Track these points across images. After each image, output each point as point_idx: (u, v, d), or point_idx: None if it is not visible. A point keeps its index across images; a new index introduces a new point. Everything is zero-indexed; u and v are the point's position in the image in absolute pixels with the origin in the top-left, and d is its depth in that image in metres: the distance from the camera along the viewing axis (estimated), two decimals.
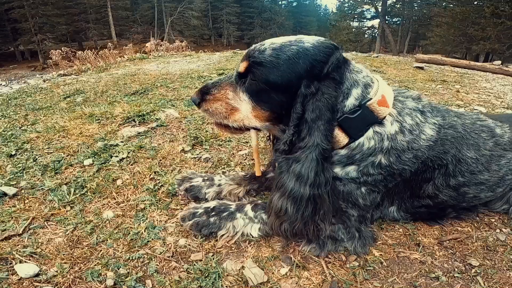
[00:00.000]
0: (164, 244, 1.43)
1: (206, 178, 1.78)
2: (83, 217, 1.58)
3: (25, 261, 1.31)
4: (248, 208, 1.50)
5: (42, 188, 1.81)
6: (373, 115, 1.31)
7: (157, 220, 1.58)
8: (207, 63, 6.49)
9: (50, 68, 10.55)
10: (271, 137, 1.65)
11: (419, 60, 7.73)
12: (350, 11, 43.20)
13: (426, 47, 31.84)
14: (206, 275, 1.27)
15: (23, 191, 1.80)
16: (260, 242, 1.46)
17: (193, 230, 1.47)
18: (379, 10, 38.91)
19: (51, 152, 2.23)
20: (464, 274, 1.34)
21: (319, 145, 1.20)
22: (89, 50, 9.57)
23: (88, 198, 1.73)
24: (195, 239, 1.46)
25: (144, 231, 1.50)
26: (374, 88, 1.34)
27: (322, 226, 1.29)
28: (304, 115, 1.24)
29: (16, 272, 1.25)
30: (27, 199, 1.73)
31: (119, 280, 1.24)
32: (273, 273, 1.31)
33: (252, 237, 1.46)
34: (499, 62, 8.33)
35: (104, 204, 1.70)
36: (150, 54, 9.84)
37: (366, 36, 45.57)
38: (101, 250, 1.38)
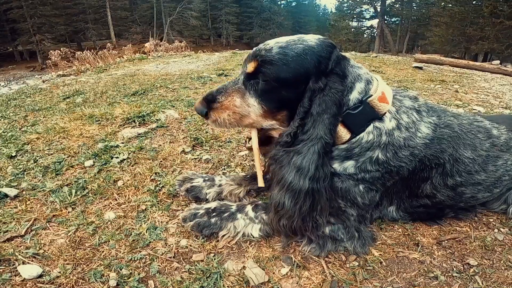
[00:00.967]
0: (166, 245, 1.44)
1: (206, 178, 1.79)
2: (85, 218, 1.59)
3: (28, 262, 1.31)
4: (248, 208, 1.51)
5: (43, 189, 1.81)
6: (374, 111, 1.34)
7: (159, 221, 1.59)
8: (206, 63, 6.50)
9: (49, 69, 10.56)
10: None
11: (418, 60, 7.75)
12: (349, 11, 43.25)
13: (425, 47, 31.94)
14: (208, 275, 1.28)
15: (24, 192, 1.80)
16: (261, 243, 1.47)
17: (194, 230, 1.48)
18: (378, 10, 38.99)
19: (52, 153, 2.24)
20: (462, 274, 1.35)
21: (322, 138, 1.21)
22: (88, 51, 9.59)
23: (90, 199, 1.74)
24: (196, 239, 1.47)
25: (146, 232, 1.51)
26: (374, 84, 1.38)
27: (320, 221, 1.31)
28: (310, 109, 1.25)
29: (19, 273, 1.26)
30: (29, 200, 1.73)
31: (122, 280, 1.25)
32: (274, 273, 1.32)
33: (253, 237, 1.47)
34: (498, 61, 8.37)
35: (106, 205, 1.71)
36: (149, 55, 9.86)
37: (365, 36, 45.61)
38: (103, 251, 1.39)
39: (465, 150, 1.51)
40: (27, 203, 1.71)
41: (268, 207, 1.36)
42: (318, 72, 1.26)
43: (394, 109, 1.40)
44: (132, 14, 41.99)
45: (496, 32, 21.41)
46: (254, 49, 1.36)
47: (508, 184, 1.67)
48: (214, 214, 1.49)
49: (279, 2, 58.13)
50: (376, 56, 8.90)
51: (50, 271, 1.28)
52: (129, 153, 2.21)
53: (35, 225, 1.54)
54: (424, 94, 4.09)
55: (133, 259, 1.35)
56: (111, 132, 2.56)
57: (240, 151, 2.31)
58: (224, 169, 2.09)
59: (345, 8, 43.72)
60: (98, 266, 1.32)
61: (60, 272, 1.27)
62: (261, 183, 1.45)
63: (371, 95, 1.33)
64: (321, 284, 1.27)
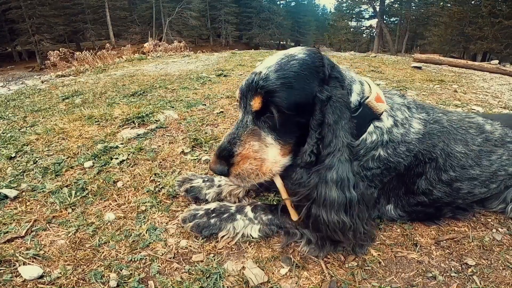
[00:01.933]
0: (166, 246, 1.45)
1: (206, 179, 1.80)
2: (85, 219, 1.59)
3: (28, 263, 1.32)
4: (248, 209, 1.52)
5: (43, 191, 1.82)
6: (372, 111, 1.36)
7: (158, 222, 1.59)
8: (205, 63, 6.50)
9: (48, 69, 10.54)
10: None
11: (417, 59, 7.76)
12: (348, 11, 43.27)
13: (423, 47, 31.98)
14: (208, 275, 1.29)
15: (24, 193, 1.81)
16: (260, 243, 1.47)
17: (194, 231, 1.48)
18: (377, 9, 39.02)
19: (51, 154, 2.24)
20: (460, 274, 1.36)
21: (348, 144, 1.20)
22: (87, 51, 9.57)
23: (89, 200, 1.74)
24: (196, 240, 1.48)
25: (146, 232, 1.51)
26: (366, 86, 1.41)
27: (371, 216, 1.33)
28: (324, 120, 1.21)
29: (20, 274, 1.26)
30: (28, 201, 1.74)
31: (122, 281, 1.25)
32: (273, 273, 1.32)
33: (252, 238, 1.48)
34: (497, 61, 8.37)
35: (105, 206, 1.71)
36: (148, 55, 9.86)
37: (364, 36, 45.63)
38: (103, 252, 1.40)
39: (456, 144, 1.54)
40: (27, 204, 1.71)
41: (314, 228, 1.30)
42: (320, 82, 1.25)
43: (389, 107, 1.44)
44: (131, 14, 41.93)
45: (494, 31, 21.45)
46: (247, 81, 1.28)
47: (506, 181, 1.68)
48: (213, 215, 1.50)
49: (278, 2, 58.05)
50: (375, 56, 8.92)
51: (50, 272, 1.29)
52: (129, 154, 2.21)
53: (35, 226, 1.55)
54: (423, 94, 4.10)
55: (133, 259, 1.36)
56: (111, 133, 2.57)
57: None
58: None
59: (344, 8, 43.75)
60: (98, 266, 1.32)
61: (60, 272, 1.28)
62: (294, 216, 1.38)
63: (368, 97, 1.36)
64: (320, 284, 1.28)
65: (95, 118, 2.85)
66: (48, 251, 1.40)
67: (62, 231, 1.52)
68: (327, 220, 1.19)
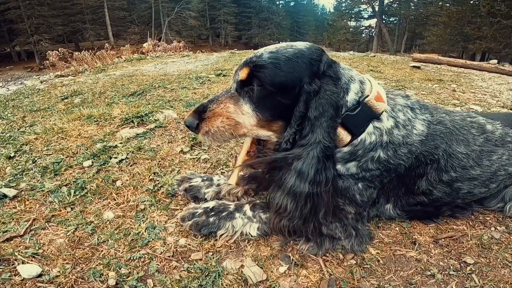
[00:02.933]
0: (165, 244, 1.45)
1: (205, 178, 1.80)
2: (84, 218, 1.59)
3: (27, 262, 1.32)
4: (246, 208, 1.52)
5: (42, 190, 1.82)
6: (372, 111, 1.35)
7: (157, 221, 1.59)
8: (205, 63, 6.50)
9: (47, 69, 10.53)
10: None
11: (416, 59, 7.77)
12: (347, 11, 43.24)
13: (423, 46, 31.99)
14: (206, 274, 1.29)
15: (23, 192, 1.81)
16: (259, 241, 1.48)
17: (192, 230, 1.49)
18: (376, 9, 39.02)
19: (50, 154, 2.24)
20: (459, 272, 1.36)
21: (320, 142, 1.21)
22: (86, 51, 9.56)
23: (88, 199, 1.75)
24: (195, 238, 1.48)
25: (145, 231, 1.51)
26: (367, 85, 1.40)
27: (323, 224, 1.32)
28: (307, 113, 1.24)
29: (18, 273, 1.26)
30: (28, 200, 1.74)
31: (121, 279, 1.25)
32: (272, 271, 1.32)
33: (251, 236, 1.48)
34: (495, 61, 8.37)
35: (104, 205, 1.71)
36: (147, 55, 9.86)
37: (363, 35, 45.68)
38: (102, 251, 1.40)
39: (458, 145, 1.53)
40: (26, 203, 1.71)
41: (270, 208, 1.36)
42: (311, 75, 1.26)
43: (390, 108, 1.43)
44: (130, 14, 41.90)
45: (493, 31, 21.46)
46: (244, 59, 1.35)
47: (505, 181, 1.68)
48: (212, 213, 1.50)
49: (277, 2, 58.18)
50: (374, 56, 8.92)
51: (49, 270, 1.29)
52: (128, 153, 2.21)
53: (34, 225, 1.55)
54: (422, 94, 4.11)
55: (132, 258, 1.36)
56: (110, 132, 2.57)
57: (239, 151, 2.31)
58: (223, 169, 2.10)
59: (343, 8, 43.72)
60: (97, 265, 1.32)
61: (59, 271, 1.28)
62: (233, 181, 1.46)
63: (368, 95, 1.35)
64: (319, 282, 1.28)
65: (94, 118, 2.85)
66: (47, 250, 1.40)
67: (61, 230, 1.52)
68: (276, 200, 1.26)
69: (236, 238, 1.47)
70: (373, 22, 42.18)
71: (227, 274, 1.30)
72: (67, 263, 1.32)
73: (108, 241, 1.45)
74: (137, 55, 9.78)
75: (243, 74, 1.29)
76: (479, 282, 1.32)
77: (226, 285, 1.25)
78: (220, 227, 1.47)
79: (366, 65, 6.31)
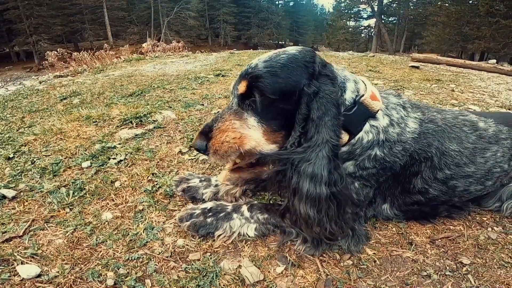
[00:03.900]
0: (163, 245, 1.45)
1: (203, 179, 1.81)
2: (83, 219, 1.60)
3: (26, 263, 1.33)
4: (244, 208, 1.53)
5: (41, 191, 1.82)
6: (368, 109, 1.37)
7: (155, 221, 1.60)
8: (204, 63, 6.50)
9: (46, 69, 10.51)
10: None
11: (415, 59, 7.78)
12: (346, 11, 43.31)
13: (421, 46, 32.06)
14: (204, 274, 1.30)
15: (22, 193, 1.82)
16: (256, 242, 1.49)
17: (190, 230, 1.50)
18: (375, 9, 39.05)
19: (49, 155, 2.25)
20: (455, 272, 1.37)
21: (328, 141, 1.20)
22: (85, 51, 9.55)
23: (87, 200, 1.75)
24: (193, 239, 1.49)
25: (143, 232, 1.52)
26: (361, 84, 1.42)
27: (349, 220, 1.32)
28: (309, 115, 1.24)
29: (18, 273, 1.27)
30: (27, 201, 1.74)
31: (119, 280, 1.26)
32: (269, 271, 1.33)
33: (249, 236, 1.49)
34: (494, 60, 8.40)
35: (103, 205, 1.72)
36: (146, 55, 9.84)
37: (362, 35, 45.74)
38: (101, 251, 1.41)
39: (450, 143, 1.55)
40: (25, 204, 1.72)
41: (293, 218, 1.32)
42: (309, 77, 1.27)
43: (384, 106, 1.45)
44: (129, 14, 41.78)
45: (492, 31, 21.49)
46: (241, 72, 1.35)
47: (501, 178, 1.70)
48: (210, 214, 1.51)
49: (276, 2, 58.08)
50: (373, 56, 8.93)
51: (48, 271, 1.30)
52: (126, 154, 2.22)
53: (33, 226, 1.56)
54: (420, 94, 4.12)
55: (130, 258, 1.37)
56: (108, 133, 2.57)
57: None
58: (221, 170, 2.10)
59: (342, 8, 43.77)
60: (95, 265, 1.33)
61: (58, 271, 1.29)
62: (220, 178, 1.46)
63: (363, 94, 1.37)
64: (316, 282, 1.29)
65: (93, 119, 2.85)
66: (46, 250, 1.41)
67: (59, 231, 1.52)
68: (300, 210, 1.22)
69: (233, 238, 1.48)
70: (372, 22, 42.28)
71: (224, 274, 1.31)
72: (66, 264, 1.33)
73: (106, 241, 1.46)
74: (136, 55, 9.77)
75: (242, 87, 1.29)
76: (475, 282, 1.33)
77: (224, 285, 1.26)
78: (218, 228, 1.48)
79: (365, 65, 6.32)
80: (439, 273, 1.37)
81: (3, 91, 5.05)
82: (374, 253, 1.45)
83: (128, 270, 1.31)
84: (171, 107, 3.24)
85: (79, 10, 34.99)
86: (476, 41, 22.79)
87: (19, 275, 1.27)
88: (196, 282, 1.26)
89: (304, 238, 1.42)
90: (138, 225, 1.56)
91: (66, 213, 1.65)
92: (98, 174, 2.00)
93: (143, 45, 12.07)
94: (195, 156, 2.24)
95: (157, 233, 1.52)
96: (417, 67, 6.50)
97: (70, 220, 1.59)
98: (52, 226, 1.56)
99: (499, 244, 1.55)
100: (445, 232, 1.61)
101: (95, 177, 1.97)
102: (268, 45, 44.34)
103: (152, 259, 1.37)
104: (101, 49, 9.85)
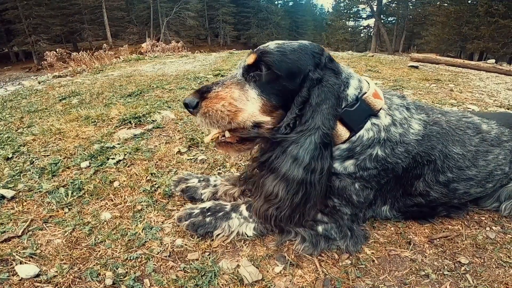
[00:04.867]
0: (161, 244, 1.46)
1: (202, 179, 1.81)
2: (81, 219, 1.60)
3: (25, 262, 1.33)
4: (243, 208, 1.53)
5: (39, 191, 1.82)
6: (370, 107, 1.37)
7: (154, 221, 1.60)
8: (203, 63, 6.50)
9: (45, 70, 10.50)
10: None
11: (414, 59, 7.79)
12: (346, 11, 43.24)
13: (421, 46, 32.07)
14: (203, 274, 1.30)
15: (21, 193, 1.81)
16: (255, 241, 1.49)
17: (189, 230, 1.50)
18: (375, 9, 39.04)
19: (48, 155, 2.25)
20: (453, 272, 1.38)
21: (320, 128, 1.22)
22: (84, 51, 9.54)
23: (86, 200, 1.75)
24: (191, 239, 1.49)
25: (142, 231, 1.52)
26: (364, 83, 1.43)
27: (307, 216, 1.32)
28: (309, 99, 1.27)
29: (16, 273, 1.27)
30: (25, 201, 1.74)
31: (118, 279, 1.26)
32: (267, 271, 1.34)
33: (247, 236, 1.49)
34: (493, 60, 8.43)
35: (102, 205, 1.72)
36: (146, 55, 9.85)
37: (361, 35, 45.70)
38: (99, 251, 1.41)
39: (454, 146, 1.54)
40: (24, 204, 1.72)
41: (255, 193, 1.34)
42: (314, 65, 1.30)
43: (387, 107, 1.44)
44: (128, 15, 41.78)
45: (491, 31, 21.53)
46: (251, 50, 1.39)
47: (501, 180, 1.69)
48: (208, 213, 1.51)
49: (276, 2, 58.18)
50: (372, 56, 8.94)
51: (47, 270, 1.30)
52: (125, 154, 2.22)
53: (32, 226, 1.56)
54: (419, 93, 4.12)
55: (129, 258, 1.37)
56: (107, 133, 2.57)
57: None
58: (220, 169, 2.11)
59: (341, 8, 43.70)
60: (94, 265, 1.33)
61: (57, 271, 1.29)
62: (207, 139, 1.44)
63: (366, 92, 1.37)
64: (314, 282, 1.29)
65: (92, 119, 2.85)
66: (45, 250, 1.41)
67: (58, 231, 1.52)
68: (268, 186, 1.25)
69: (232, 238, 1.48)
70: (371, 22, 42.24)
71: (223, 274, 1.31)
72: (64, 263, 1.33)
73: (105, 241, 1.46)
74: (135, 55, 9.77)
75: (250, 59, 1.32)
76: (473, 282, 1.33)
77: (222, 284, 1.26)
78: (216, 227, 1.48)
79: (364, 65, 6.33)
80: (438, 272, 1.37)
81: (2, 91, 5.04)
82: (372, 253, 1.45)
83: (126, 270, 1.31)
84: (170, 107, 3.24)
85: (78, 10, 34.94)
86: (475, 41, 22.84)
87: (18, 275, 1.27)
88: (194, 282, 1.26)
89: (302, 238, 1.42)
90: (136, 225, 1.56)
91: (64, 213, 1.65)
92: (97, 174, 2.00)
93: (142, 45, 12.09)
94: (194, 156, 2.24)
95: (155, 233, 1.52)
96: (416, 67, 6.52)
97: (68, 220, 1.59)
98: (50, 226, 1.56)
99: (498, 243, 1.55)
100: (443, 231, 1.62)
101: (94, 177, 1.97)
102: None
103: (151, 259, 1.37)
104: (100, 49, 9.85)
